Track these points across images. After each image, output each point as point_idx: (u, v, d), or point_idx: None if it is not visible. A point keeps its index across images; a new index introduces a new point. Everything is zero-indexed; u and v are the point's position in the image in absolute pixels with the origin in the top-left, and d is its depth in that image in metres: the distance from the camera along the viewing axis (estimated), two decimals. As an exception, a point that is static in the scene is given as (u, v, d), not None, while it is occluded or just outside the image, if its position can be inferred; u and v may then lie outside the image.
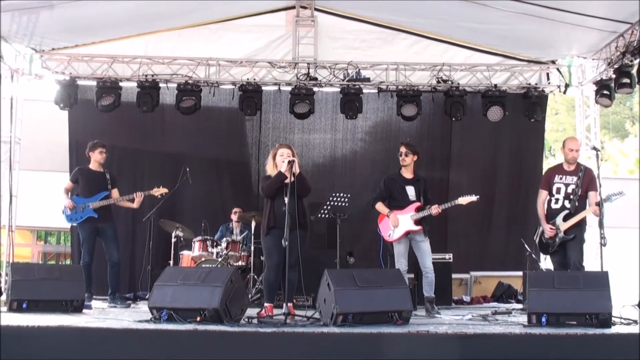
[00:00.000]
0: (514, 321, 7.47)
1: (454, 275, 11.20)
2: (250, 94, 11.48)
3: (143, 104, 11.39)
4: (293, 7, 11.52)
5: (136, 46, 11.88)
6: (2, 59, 10.62)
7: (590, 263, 8.82)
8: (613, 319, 6.64)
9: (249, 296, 9.85)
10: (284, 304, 7.18)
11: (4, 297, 8.27)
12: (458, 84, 11.65)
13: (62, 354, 5.69)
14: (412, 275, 9.62)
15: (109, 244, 9.84)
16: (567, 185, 8.70)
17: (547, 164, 14.73)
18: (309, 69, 11.60)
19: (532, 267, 10.03)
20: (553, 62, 11.92)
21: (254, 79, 11.61)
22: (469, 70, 11.76)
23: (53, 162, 13.52)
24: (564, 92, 12.06)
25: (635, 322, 6.79)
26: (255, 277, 10.48)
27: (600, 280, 6.81)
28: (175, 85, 11.57)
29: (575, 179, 8.66)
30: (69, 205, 9.72)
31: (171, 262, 10.92)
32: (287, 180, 7.56)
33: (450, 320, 7.84)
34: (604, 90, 10.64)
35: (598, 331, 6.15)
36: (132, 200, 9.98)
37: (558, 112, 26.05)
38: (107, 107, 11.40)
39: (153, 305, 6.81)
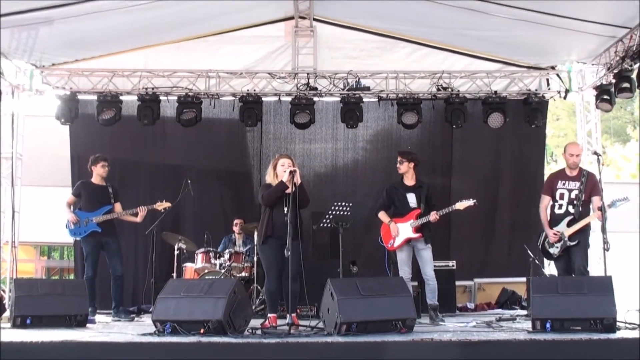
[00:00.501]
0: (518, 327, 7.45)
1: (457, 283, 11.21)
2: (251, 105, 11.50)
3: (144, 117, 11.40)
4: (292, 18, 11.54)
5: (136, 60, 11.89)
6: (2, 76, 10.65)
7: (594, 268, 8.80)
8: (618, 323, 6.62)
9: (253, 307, 9.86)
10: (288, 315, 7.17)
11: (7, 313, 8.27)
12: (458, 91, 11.65)
13: (66, 368, 5.69)
14: (415, 283, 9.62)
15: (113, 258, 9.84)
16: (570, 190, 8.69)
17: (549, 169, 14.72)
18: (308, 79, 11.61)
19: (536, 273, 10.01)
20: (553, 67, 11.92)
21: (254, 90, 11.63)
22: (468, 77, 11.76)
23: (55, 177, 13.53)
24: (564, 98, 12.05)
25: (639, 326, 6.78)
26: (259, 288, 10.47)
27: (604, 285, 6.80)
28: (176, 97, 11.58)
29: (578, 184, 8.66)
30: (73, 219, 9.72)
31: (174, 275, 10.92)
32: (289, 190, 7.58)
33: (454, 328, 7.82)
34: (605, 95, 10.63)
35: (603, 336, 6.12)
36: (136, 215, 10.00)
37: (559, 118, 26.02)
38: (108, 121, 11.42)
39: (156, 318, 6.80)
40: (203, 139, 12.46)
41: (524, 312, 9.92)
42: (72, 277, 13.96)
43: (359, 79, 11.63)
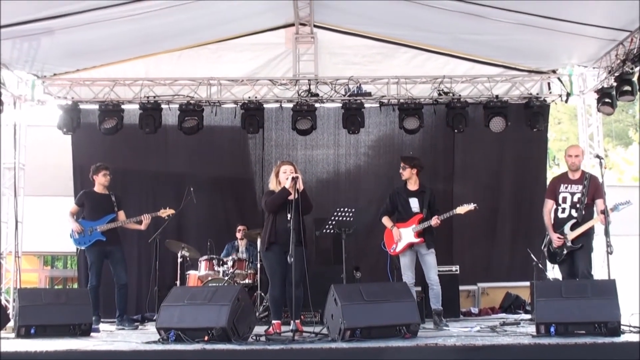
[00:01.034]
0: (522, 332, 7.46)
1: (461, 287, 11.21)
2: (252, 112, 11.50)
3: (145, 126, 11.41)
4: (292, 25, 11.54)
5: (137, 68, 11.92)
6: (3, 86, 10.67)
7: (598, 271, 8.79)
8: (622, 327, 6.62)
9: (257, 314, 9.85)
10: (292, 321, 7.17)
11: (11, 323, 8.27)
12: (459, 95, 11.63)
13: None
14: (419, 288, 9.61)
15: (117, 267, 9.86)
16: (572, 194, 8.70)
17: (552, 173, 14.72)
18: (309, 85, 11.61)
19: (539, 277, 10.01)
20: (554, 71, 11.91)
21: (256, 97, 11.63)
22: (470, 81, 11.77)
23: (57, 186, 13.51)
24: (566, 101, 12.03)
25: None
26: (262, 294, 10.48)
27: (608, 288, 6.79)
28: (177, 105, 11.58)
29: (580, 187, 8.66)
30: (77, 229, 9.74)
31: (178, 282, 10.93)
32: (291, 197, 7.59)
33: (458, 333, 7.83)
34: (606, 98, 10.61)
35: (607, 340, 6.13)
36: (140, 223, 10.02)
37: (561, 122, 25.99)
38: (110, 130, 11.42)
39: (160, 326, 6.81)
40: (205, 147, 12.46)
41: (528, 316, 9.89)
42: (75, 286, 13.94)
43: (360, 84, 11.63)
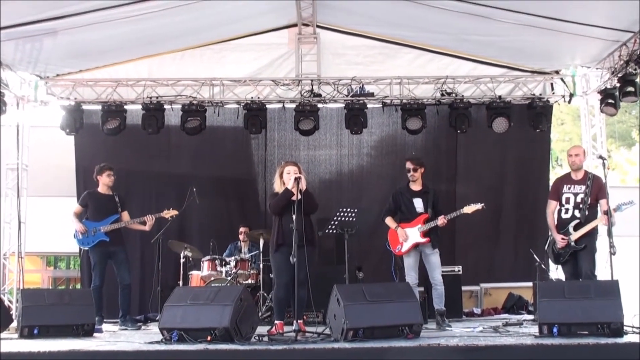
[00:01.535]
0: (525, 332, 7.45)
1: (463, 288, 11.20)
2: (255, 112, 11.49)
3: (148, 126, 11.41)
4: (295, 25, 11.54)
5: (140, 69, 11.94)
6: (6, 87, 10.68)
7: (600, 272, 8.79)
8: (625, 328, 6.61)
9: (259, 314, 9.86)
10: (294, 321, 7.18)
11: (14, 323, 8.28)
12: (462, 96, 11.62)
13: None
14: (422, 289, 9.61)
15: (121, 267, 9.87)
16: (576, 194, 8.70)
17: (555, 174, 14.69)
18: (312, 85, 11.61)
19: (542, 278, 9.98)
20: (557, 72, 11.88)
21: (258, 98, 11.62)
22: (472, 82, 11.76)
23: (60, 187, 13.54)
24: (569, 102, 12.01)
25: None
26: (265, 294, 10.48)
27: (611, 289, 6.79)
28: (180, 106, 11.57)
29: (583, 187, 8.66)
30: (81, 229, 9.75)
31: (180, 283, 10.93)
32: (294, 198, 7.59)
33: (461, 333, 7.82)
34: (609, 99, 10.61)
35: (610, 340, 6.13)
36: (144, 223, 10.03)
37: (564, 122, 25.93)
38: (113, 131, 11.43)
39: (163, 326, 6.81)
40: (207, 147, 12.48)
41: (531, 316, 9.89)
42: (78, 286, 13.95)
43: (362, 85, 11.63)
